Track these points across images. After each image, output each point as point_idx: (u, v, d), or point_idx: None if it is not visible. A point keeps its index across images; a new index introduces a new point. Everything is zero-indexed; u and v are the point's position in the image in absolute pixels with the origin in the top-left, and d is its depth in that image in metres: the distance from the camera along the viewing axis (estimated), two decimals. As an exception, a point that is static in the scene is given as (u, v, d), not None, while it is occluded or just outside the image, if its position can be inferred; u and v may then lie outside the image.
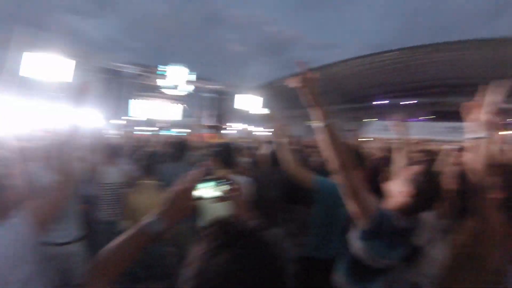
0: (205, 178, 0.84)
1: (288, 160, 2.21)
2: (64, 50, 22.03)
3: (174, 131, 24.11)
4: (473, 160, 1.30)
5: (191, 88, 28.84)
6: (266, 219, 1.98)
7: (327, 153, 1.20)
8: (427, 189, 1.28)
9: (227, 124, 27.28)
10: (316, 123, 1.22)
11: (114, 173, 3.07)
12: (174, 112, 30.26)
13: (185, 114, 31.33)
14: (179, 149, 3.38)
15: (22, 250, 1.00)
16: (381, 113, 31.98)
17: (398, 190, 1.34)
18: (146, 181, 2.52)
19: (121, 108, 25.96)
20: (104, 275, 0.73)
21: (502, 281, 1.25)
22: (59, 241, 2.21)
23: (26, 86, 21.13)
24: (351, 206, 1.23)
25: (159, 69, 26.50)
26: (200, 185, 0.83)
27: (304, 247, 2.24)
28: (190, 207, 0.81)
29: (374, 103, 34.93)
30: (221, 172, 2.16)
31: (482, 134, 1.24)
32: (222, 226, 0.59)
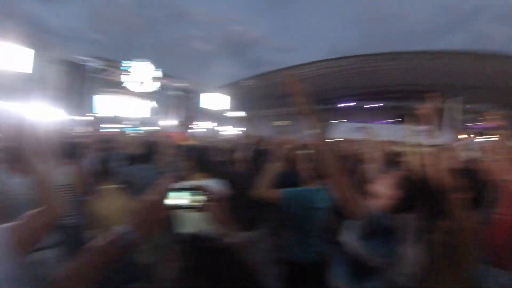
0: (180, 187, 0.82)
1: (259, 183, 2.22)
2: (22, 38, 20.62)
3: (141, 129, 23.69)
4: (434, 164, 1.46)
5: (157, 85, 28.55)
6: (243, 222, 2.36)
7: (320, 159, 1.26)
8: (411, 193, 1.39)
9: (195, 123, 26.98)
10: (309, 131, 1.27)
11: (67, 174, 2.85)
12: (141, 109, 29.53)
13: (153, 111, 30.62)
14: (148, 150, 3.25)
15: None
16: (347, 115, 33.17)
17: (385, 192, 1.44)
18: (107, 186, 2.39)
19: (84, 104, 25.17)
20: (74, 286, 0.71)
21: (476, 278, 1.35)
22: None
23: None
24: (344, 208, 1.29)
25: (123, 64, 25.73)
26: (174, 194, 0.80)
27: (284, 249, 2.30)
28: (164, 218, 0.79)
29: (340, 105, 36.04)
30: (196, 176, 2.16)
31: (439, 141, 1.40)
32: (195, 244, 0.56)
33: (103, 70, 26.52)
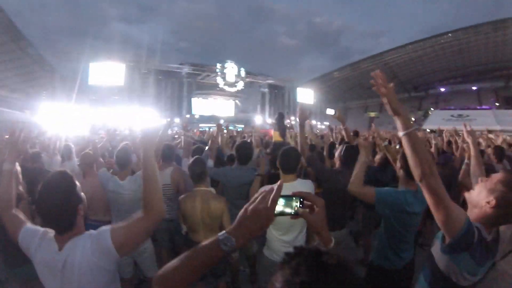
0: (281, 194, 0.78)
1: (354, 178, 2.07)
2: (122, 57, 25.20)
3: (235, 127, 25.44)
4: None
5: (246, 84, 29.99)
6: (334, 221, 2.49)
7: (410, 160, 1.15)
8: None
9: (289, 119, 29.17)
10: (400, 131, 1.16)
11: (165, 175, 2.97)
12: (234, 108, 32.22)
13: (246, 109, 33.27)
14: (244, 152, 3.08)
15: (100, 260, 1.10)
16: (442, 101, 31.39)
17: (482, 200, 1.23)
18: (200, 188, 2.39)
19: (182, 107, 28.41)
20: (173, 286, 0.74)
21: None
22: None
23: (92, 93, 25.13)
24: (436, 216, 1.15)
25: (214, 67, 27.92)
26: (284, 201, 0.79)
27: (373, 254, 2.20)
28: (266, 226, 0.75)
29: (434, 91, 33.41)
30: (286, 178, 2.15)
31: None
32: (306, 259, 0.51)
33: (196, 74, 28.74)
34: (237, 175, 2.90)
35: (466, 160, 2.61)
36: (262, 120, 27.59)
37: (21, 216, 1.32)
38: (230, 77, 28.30)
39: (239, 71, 28.72)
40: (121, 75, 24.98)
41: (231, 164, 3.53)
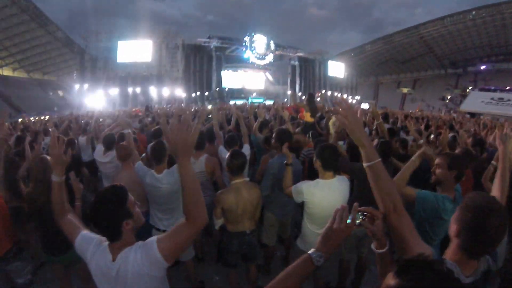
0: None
1: (398, 176, 1.92)
2: (149, 33, 25.96)
3: (263, 99, 26.47)
4: None
5: (275, 57, 30.32)
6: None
7: (375, 193, 1.08)
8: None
9: (319, 92, 27.88)
10: (364, 163, 1.08)
11: (200, 163, 2.99)
12: (261, 81, 32.55)
13: (272, 82, 33.58)
14: (280, 140, 2.87)
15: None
16: (480, 80, 29.60)
17: (451, 232, 1.12)
18: (240, 180, 2.36)
19: (212, 81, 28.75)
20: None
21: None
22: (165, 229, 2.45)
23: (121, 70, 25.78)
24: (400, 254, 1.06)
25: (243, 40, 28.23)
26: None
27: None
28: (343, 240, 0.89)
29: (471, 68, 31.60)
30: (326, 175, 2.17)
31: None
32: (426, 268, 0.59)
33: (225, 48, 29.04)
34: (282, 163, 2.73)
35: (493, 161, 2.40)
36: (293, 93, 27.56)
37: (77, 221, 1.41)
38: (259, 50, 28.45)
39: (268, 43, 28.73)
40: (148, 52, 25.89)
41: (267, 147, 3.45)
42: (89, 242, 1.27)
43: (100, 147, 3.53)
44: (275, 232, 2.98)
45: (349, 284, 2.91)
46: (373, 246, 1.07)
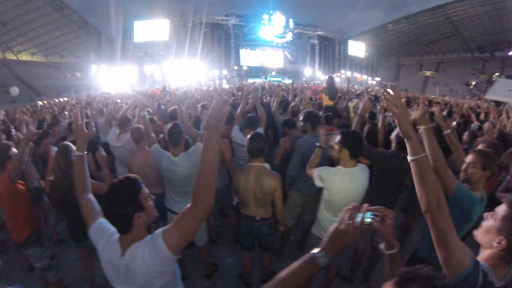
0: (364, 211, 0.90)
1: (435, 153, 1.59)
2: (166, 12, 25.85)
3: (282, 78, 26.56)
4: None
5: (295, 35, 30.06)
6: (384, 204, 2.61)
7: (417, 189, 1.05)
8: None
9: (339, 72, 27.35)
10: (408, 156, 1.05)
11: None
12: (280, 59, 32.07)
13: (291, 61, 33.10)
14: (311, 121, 2.93)
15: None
16: (508, 66, 28.22)
17: (491, 241, 1.06)
18: (255, 164, 2.33)
19: (231, 59, 28.88)
20: None
21: None
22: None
23: (138, 50, 26.01)
24: (438, 253, 1.03)
25: (261, 18, 27.80)
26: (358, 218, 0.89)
27: (420, 244, 2.05)
28: (351, 242, 0.87)
29: (499, 53, 30.08)
30: (348, 163, 2.10)
31: None
32: (425, 283, 0.58)
33: (243, 26, 28.90)
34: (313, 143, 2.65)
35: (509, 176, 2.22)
36: (312, 72, 27.42)
37: (95, 204, 1.40)
38: (278, 28, 28.13)
39: (287, 22, 28.31)
40: (165, 31, 25.82)
41: (289, 130, 3.38)
42: (102, 234, 1.26)
43: (114, 130, 3.48)
44: (297, 214, 2.99)
45: (361, 273, 2.92)
46: (382, 247, 1.03)
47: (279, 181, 2.34)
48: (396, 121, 1.06)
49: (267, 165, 2.41)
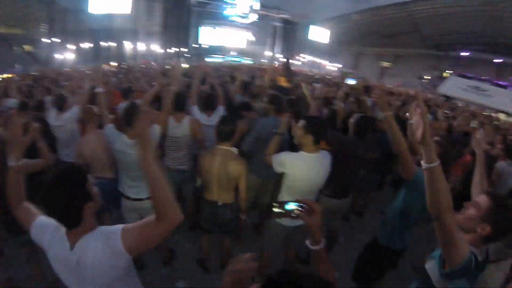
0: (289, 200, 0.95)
1: (399, 138, 1.78)
2: None
3: (242, 59, 26.43)
4: None
5: (259, 16, 29.56)
6: (341, 188, 2.56)
7: (430, 194, 1.09)
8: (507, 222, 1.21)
9: (298, 56, 27.00)
10: (423, 163, 1.07)
11: (183, 126, 2.90)
12: (244, 40, 31.52)
13: (255, 42, 32.66)
14: (275, 104, 3.01)
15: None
16: (459, 66, 29.69)
17: (475, 226, 1.24)
18: (222, 147, 2.31)
19: (190, 37, 27.96)
20: None
21: None
22: (135, 197, 2.34)
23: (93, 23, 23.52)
24: (443, 248, 1.18)
25: None
26: (286, 205, 0.94)
27: (381, 232, 2.16)
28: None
29: (453, 53, 31.41)
30: (312, 148, 2.08)
31: None
32: (289, 284, 0.58)
33: (206, 3, 27.68)
34: (272, 126, 2.68)
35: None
36: (272, 55, 27.23)
37: (32, 208, 1.26)
38: (242, 8, 27.55)
39: (255, 2, 28.02)
40: (127, 2, 23.14)
41: (246, 112, 3.39)
42: (45, 229, 1.15)
43: (53, 110, 3.22)
44: (251, 197, 2.94)
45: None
46: (307, 243, 1.05)
47: (244, 167, 2.34)
48: (420, 129, 1.04)
49: (234, 150, 2.41)
